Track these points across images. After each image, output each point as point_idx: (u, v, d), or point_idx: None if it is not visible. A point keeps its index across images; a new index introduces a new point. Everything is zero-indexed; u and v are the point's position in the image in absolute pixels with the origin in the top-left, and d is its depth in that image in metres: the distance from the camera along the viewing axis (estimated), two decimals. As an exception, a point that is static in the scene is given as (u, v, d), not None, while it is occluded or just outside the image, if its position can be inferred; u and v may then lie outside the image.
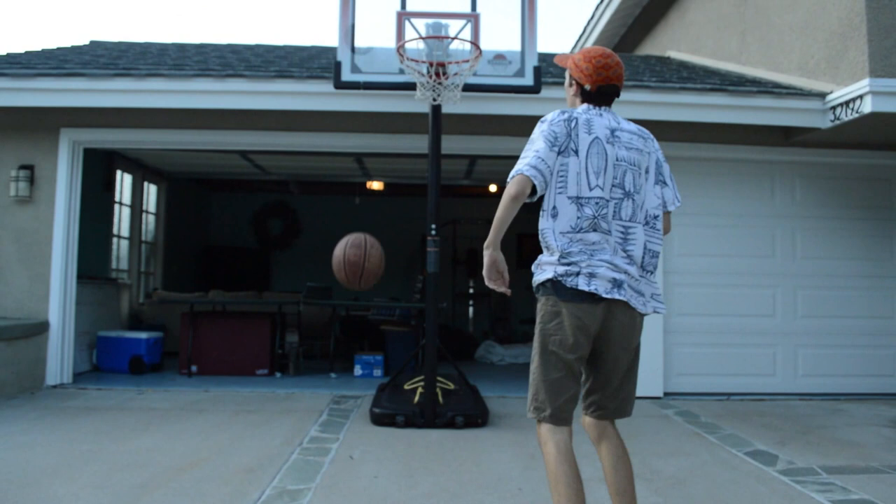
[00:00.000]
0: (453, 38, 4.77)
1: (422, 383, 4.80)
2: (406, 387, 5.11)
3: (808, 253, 6.16)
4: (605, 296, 2.22)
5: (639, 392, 6.23)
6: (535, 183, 2.24)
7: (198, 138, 6.04)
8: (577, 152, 2.30)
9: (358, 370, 6.72)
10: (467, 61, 4.72)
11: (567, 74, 2.53)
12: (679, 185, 5.88)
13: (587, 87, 2.43)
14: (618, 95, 2.47)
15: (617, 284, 2.24)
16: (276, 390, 5.78)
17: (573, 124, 2.32)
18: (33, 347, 5.57)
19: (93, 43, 7.89)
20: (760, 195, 6.20)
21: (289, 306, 7.23)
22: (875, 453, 4.07)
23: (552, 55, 6.99)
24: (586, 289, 2.21)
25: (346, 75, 5.04)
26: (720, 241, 6.10)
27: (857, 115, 5.16)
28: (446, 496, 3.19)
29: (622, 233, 2.30)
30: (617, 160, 2.32)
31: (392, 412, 4.56)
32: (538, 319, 2.31)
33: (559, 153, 2.29)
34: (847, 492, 3.30)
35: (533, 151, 2.29)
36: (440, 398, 4.76)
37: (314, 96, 5.53)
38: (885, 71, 5.04)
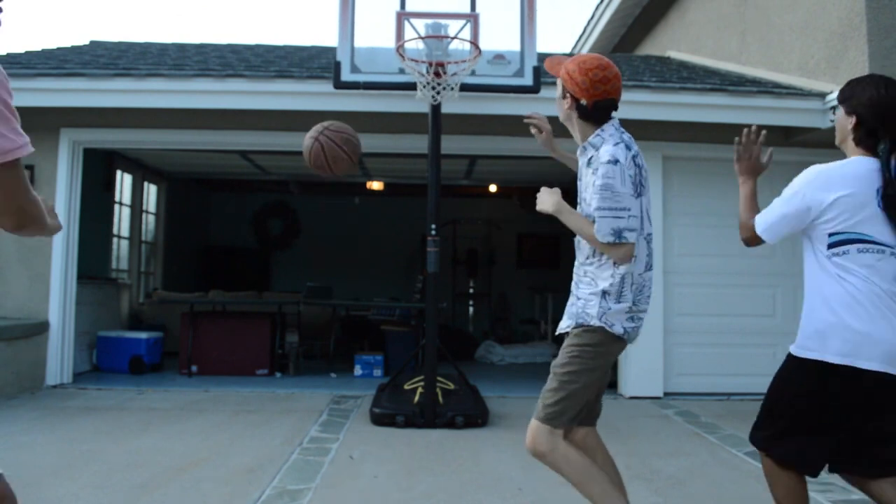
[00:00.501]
0: (453, 38, 4.77)
1: (422, 383, 4.80)
2: (406, 387, 5.10)
3: (809, 253, 6.15)
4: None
5: (639, 392, 6.23)
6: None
7: (198, 138, 6.04)
8: (646, 189, 2.26)
9: (358, 370, 6.72)
10: (467, 61, 4.72)
11: (559, 84, 2.34)
12: (679, 185, 6.03)
13: (583, 101, 2.24)
14: (615, 109, 2.30)
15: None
16: (276, 390, 5.78)
17: (640, 160, 2.23)
18: (33, 347, 5.57)
19: (93, 43, 7.89)
20: (760, 195, 6.17)
21: (289, 306, 7.23)
22: (875, 453, 4.06)
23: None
24: (634, 343, 2.37)
25: (346, 75, 5.04)
26: (720, 241, 6.08)
27: (857, 115, 5.15)
28: (446, 496, 3.19)
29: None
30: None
31: (392, 412, 4.56)
32: (594, 342, 2.25)
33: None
34: (847, 492, 3.30)
35: (628, 214, 2.16)
36: (440, 398, 4.76)
37: (314, 96, 5.53)
38: (885, 71, 5.01)
